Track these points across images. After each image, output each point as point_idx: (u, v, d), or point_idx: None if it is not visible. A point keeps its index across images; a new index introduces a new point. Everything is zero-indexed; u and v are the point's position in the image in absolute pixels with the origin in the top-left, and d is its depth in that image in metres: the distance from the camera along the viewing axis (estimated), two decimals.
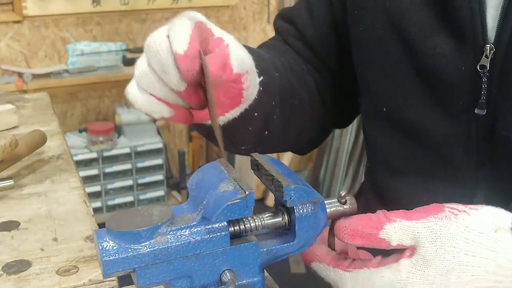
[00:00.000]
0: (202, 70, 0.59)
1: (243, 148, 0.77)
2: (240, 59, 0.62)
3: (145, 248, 0.48)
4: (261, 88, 0.69)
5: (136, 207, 0.52)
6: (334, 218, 0.56)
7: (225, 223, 0.50)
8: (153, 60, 0.60)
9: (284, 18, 0.90)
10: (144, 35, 3.13)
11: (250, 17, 3.37)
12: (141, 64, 0.62)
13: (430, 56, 0.69)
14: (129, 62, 2.99)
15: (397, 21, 0.72)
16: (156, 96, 0.62)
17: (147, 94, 0.62)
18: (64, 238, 0.77)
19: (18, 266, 0.70)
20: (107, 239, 0.48)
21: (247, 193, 0.49)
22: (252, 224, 0.52)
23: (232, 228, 0.51)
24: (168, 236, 0.48)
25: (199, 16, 0.62)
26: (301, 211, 0.52)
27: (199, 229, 0.49)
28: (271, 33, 3.41)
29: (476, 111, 0.68)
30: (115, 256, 0.47)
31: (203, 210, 0.50)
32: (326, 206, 0.54)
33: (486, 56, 0.65)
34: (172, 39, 0.59)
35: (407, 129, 0.76)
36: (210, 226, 0.49)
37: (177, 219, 0.50)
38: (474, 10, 0.65)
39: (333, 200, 0.56)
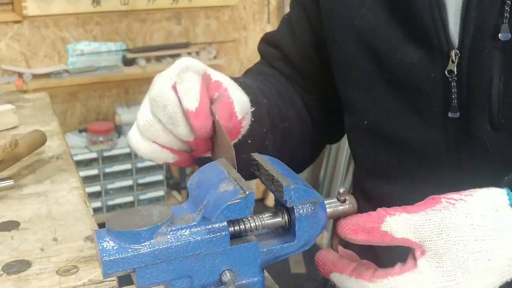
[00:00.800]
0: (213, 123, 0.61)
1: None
2: (241, 104, 0.65)
3: (145, 248, 0.48)
4: (252, 119, 0.72)
5: (136, 207, 0.52)
6: (334, 218, 0.56)
7: (225, 223, 0.50)
8: (160, 113, 0.61)
9: (268, 43, 0.93)
10: (144, 35, 3.13)
11: (250, 17, 3.37)
12: (146, 114, 0.63)
13: (400, 67, 0.72)
14: (129, 62, 2.99)
15: (366, 38, 0.75)
16: (160, 144, 0.64)
17: (150, 142, 0.64)
18: (64, 238, 0.77)
19: (18, 266, 0.70)
20: (107, 239, 0.48)
21: (247, 193, 0.49)
22: (252, 224, 0.52)
23: (232, 228, 0.51)
24: (168, 236, 0.48)
25: (199, 64, 0.64)
26: (301, 211, 0.52)
27: (199, 229, 0.49)
28: None
29: (449, 114, 0.70)
30: (115, 256, 0.47)
31: (203, 210, 0.50)
32: (326, 206, 0.54)
33: (452, 61, 0.68)
34: (181, 95, 0.60)
35: (389, 138, 0.78)
36: (210, 226, 0.49)
37: (177, 219, 0.50)
38: (435, 17, 0.67)
39: (333, 200, 0.56)
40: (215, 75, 0.66)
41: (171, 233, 0.49)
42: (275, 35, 0.92)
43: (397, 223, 0.52)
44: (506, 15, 0.63)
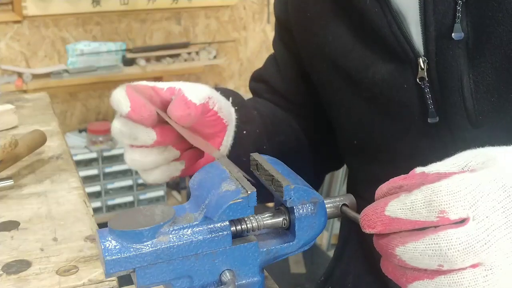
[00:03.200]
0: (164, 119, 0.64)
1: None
2: (195, 91, 0.67)
3: (147, 247, 0.48)
4: (236, 108, 0.74)
5: (138, 207, 0.52)
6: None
7: (227, 223, 0.50)
8: (127, 141, 0.67)
9: (255, 79, 0.97)
10: (144, 35, 3.13)
11: (250, 17, 3.37)
12: (127, 154, 0.69)
13: (374, 83, 0.74)
14: (129, 62, 2.99)
15: (338, 62, 0.77)
16: (163, 167, 0.69)
17: (155, 169, 0.69)
18: (64, 238, 0.77)
19: (18, 266, 0.70)
20: (110, 239, 0.48)
21: (249, 192, 0.49)
22: (254, 224, 0.52)
23: (234, 228, 0.51)
24: (170, 236, 0.48)
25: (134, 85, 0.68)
26: (301, 211, 0.52)
27: (201, 228, 0.49)
28: (271, 33, 3.42)
29: (429, 120, 0.71)
30: (118, 255, 0.47)
31: (205, 210, 0.50)
32: (326, 206, 0.54)
33: (422, 68, 0.69)
34: (116, 108, 0.65)
35: (380, 153, 0.79)
36: (212, 226, 0.49)
37: (179, 219, 0.50)
38: (395, 32, 0.69)
39: (332, 200, 0.56)
40: (166, 85, 0.68)
41: (173, 232, 0.49)
42: (261, 70, 0.96)
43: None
44: (458, 15, 0.65)
